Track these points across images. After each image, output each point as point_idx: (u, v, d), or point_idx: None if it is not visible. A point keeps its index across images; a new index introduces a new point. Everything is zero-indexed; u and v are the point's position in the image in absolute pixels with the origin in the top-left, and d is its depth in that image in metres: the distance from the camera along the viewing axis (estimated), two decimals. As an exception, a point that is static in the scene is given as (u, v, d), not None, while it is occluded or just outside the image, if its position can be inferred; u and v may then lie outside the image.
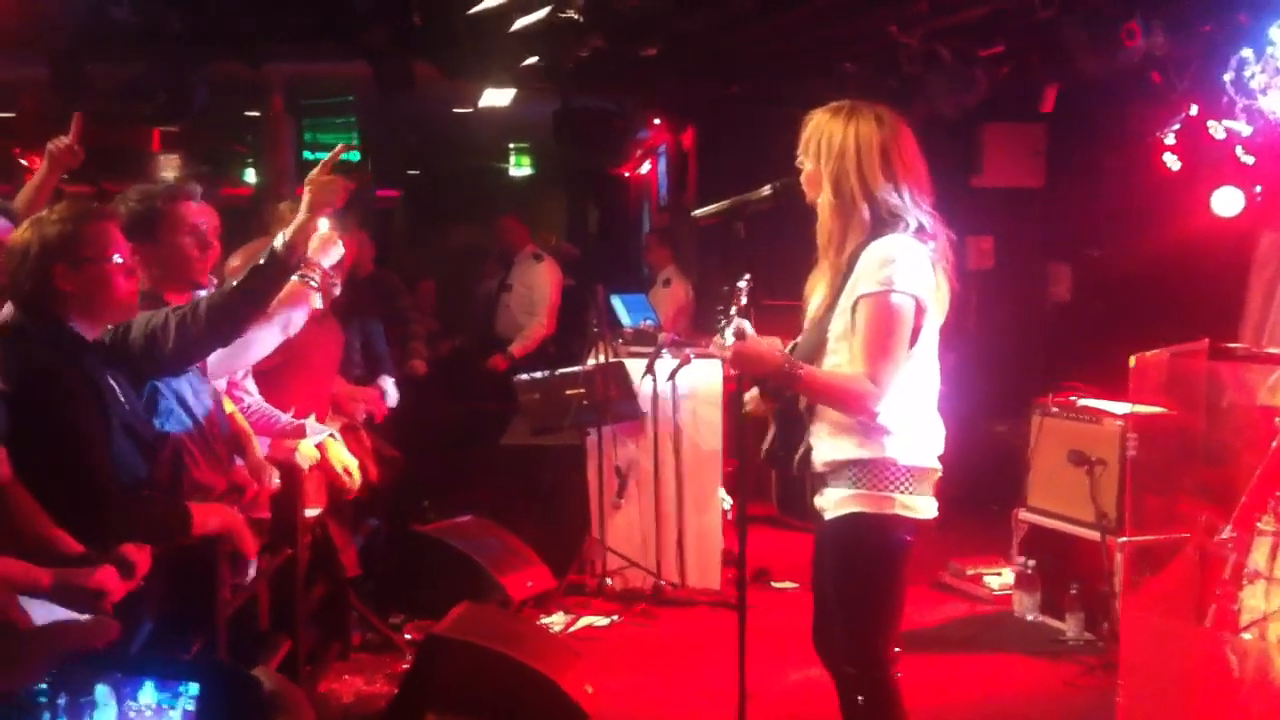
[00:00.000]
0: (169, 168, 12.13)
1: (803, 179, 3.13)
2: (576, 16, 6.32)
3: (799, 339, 3.19)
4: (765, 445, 3.28)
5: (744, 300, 3.01)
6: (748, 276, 3.03)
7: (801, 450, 3.11)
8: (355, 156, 12.09)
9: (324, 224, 3.91)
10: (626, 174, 11.77)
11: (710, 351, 3.09)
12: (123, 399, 3.25)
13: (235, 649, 3.43)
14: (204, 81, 8.49)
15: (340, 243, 3.97)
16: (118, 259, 3.22)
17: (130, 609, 2.83)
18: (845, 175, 3.01)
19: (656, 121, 10.26)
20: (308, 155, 12.01)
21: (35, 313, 3.18)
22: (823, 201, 3.06)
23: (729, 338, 2.96)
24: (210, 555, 3.29)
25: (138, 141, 11.79)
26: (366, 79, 8.09)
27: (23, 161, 11.59)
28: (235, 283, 3.52)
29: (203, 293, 3.70)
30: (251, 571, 3.60)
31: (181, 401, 3.53)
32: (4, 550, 2.64)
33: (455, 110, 10.21)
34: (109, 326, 3.36)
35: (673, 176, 10.52)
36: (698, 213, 3.40)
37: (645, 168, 11.44)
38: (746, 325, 2.98)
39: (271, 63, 8.07)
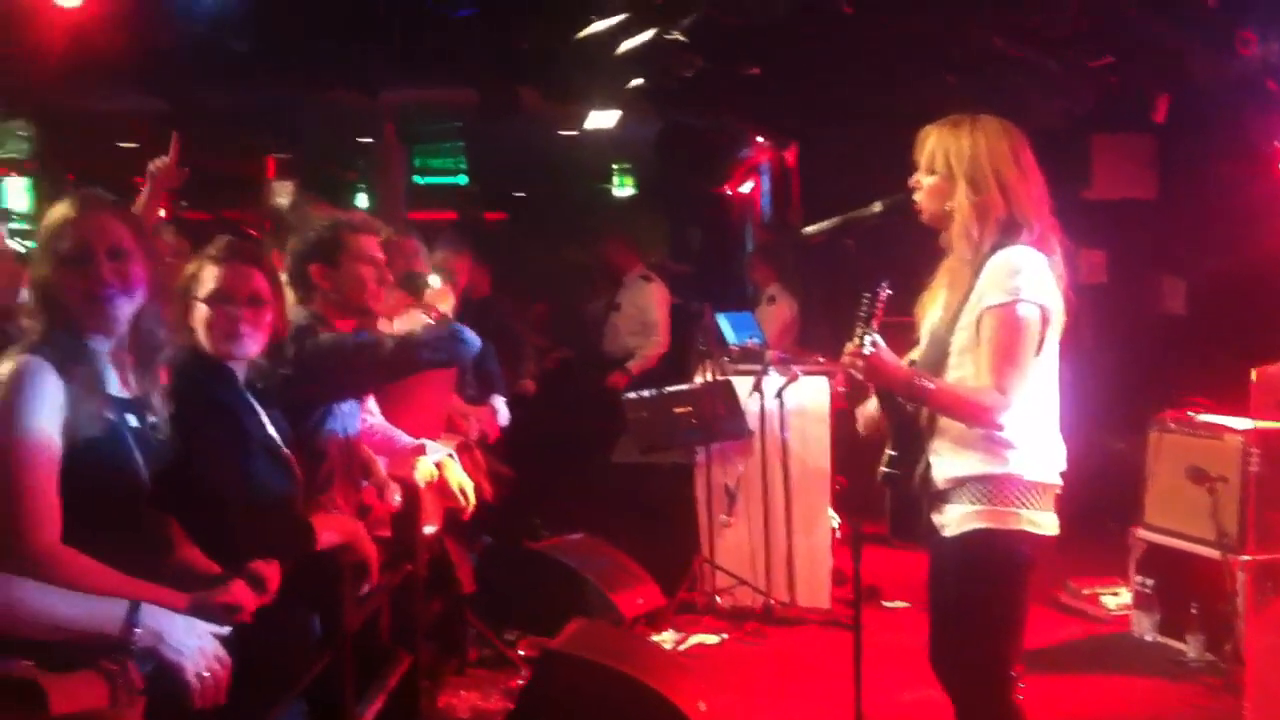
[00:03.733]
0: (283, 194, 12.46)
1: (922, 194, 3.14)
2: (681, 37, 6.39)
3: (916, 353, 3.19)
4: (882, 464, 3.27)
5: (880, 310, 3.01)
6: (885, 285, 3.03)
7: (921, 467, 3.11)
8: (463, 180, 12.31)
9: (436, 280, 4.10)
10: (729, 192, 11.80)
11: (840, 362, 3.10)
12: (264, 421, 3.37)
13: (358, 663, 3.52)
14: (317, 110, 8.74)
15: (451, 296, 4.14)
16: (255, 299, 3.35)
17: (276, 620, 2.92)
18: (982, 178, 3.02)
19: (759, 139, 10.28)
20: (417, 180, 12.27)
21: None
22: (958, 205, 3.05)
23: (868, 346, 2.97)
24: (336, 568, 3.38)
25: (253, 169, 12.12)
26: (473, 105, 8.26)
27: (140, 187, 11.95)
28: (400, 344, 3.70)
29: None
30: (372, 583, 3.67)
31: (340, 420, 3.69)
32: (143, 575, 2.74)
33: (560, 132, 10.34)
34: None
35: (776, 194, 10.52)
36: (807, 230, 3.42)
37: (748, 186, 11.46)
38: (878, 336, 2.99)
39: (383, 91, 8.27)
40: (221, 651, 2.53)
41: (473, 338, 3.98)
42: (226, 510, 3.14)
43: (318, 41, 8.03)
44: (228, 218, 11.62)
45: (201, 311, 3.26)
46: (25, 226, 11.80)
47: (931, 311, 3.22)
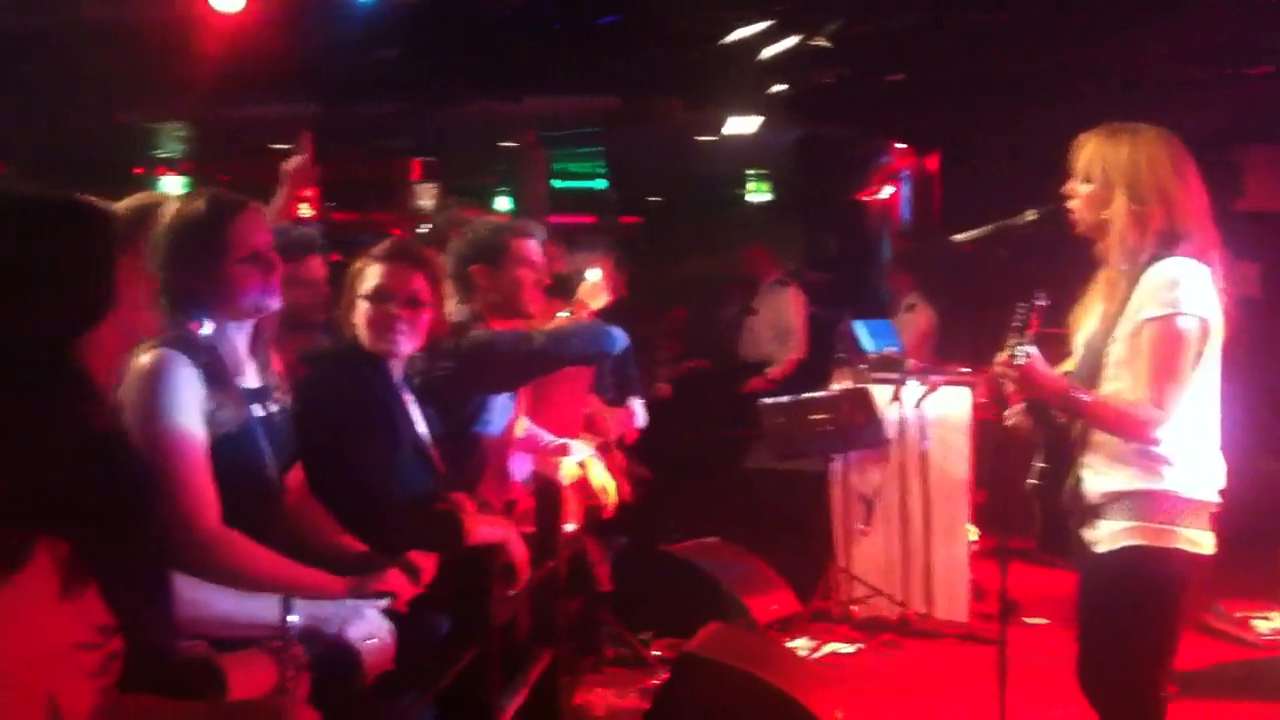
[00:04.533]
0: (426, 197, 12.74)
1: (1078, 203, 3.09)
2: (825, 44, 6.38)
3: (1071, 364, 3.15)
4: (1031, 476, 3.23)
5: (1034, 320, 2.98)
6: (1041, 295, 3.00)
7: (1071, 481, 3.07)
8: (602, 185, 12.41)
9: (595, 274, 4.17)
10: (867, 198, 11.72)
11: (992, 371, 3.07)
12: (415, 418, 3.46)
13: (502, 659, 3.59)
14: (460, 115, 8.92)
15: (606, 292, 4.20)
16: (414, 300, 3.44)
17: (418, 615, 2.99)
18: (1142, 188, 2.97)
19: (899, 145, 10.19)
20: (556, 184, 12.42)
21: (336, 336, 3.43)
22: (1115, 215, 3.01)
23: (1021, 357, 2.94)
24: (485, 566, 3.45)
25: (399, 172, 12.41)
26: (614, 112, 8.36)
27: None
28: (550, 337, 3.80)
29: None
30: (519, 586, 3.74)
31: (492, 417, 3.79)
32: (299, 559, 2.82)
33: (698, 138, 10.38)
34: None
35: (916, 201, 10.41)
36: (959, 237, 3.39)
37: (886, 192, 11.36)
38: (1032, 348, 2.96)
39: (526, 98, 8.42)
40: (383, 620, 2.62)
41: (620, 334, 4.06)
42: (374, 504, 3.23)
43: (463, 49, 8.21)
44: (374, 219, 11.94)
45: (362, 308, 3.36)
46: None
47: (1086, 323, 3.17)
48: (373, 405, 3.34)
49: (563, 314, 4.52)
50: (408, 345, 3.41)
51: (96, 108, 9.65)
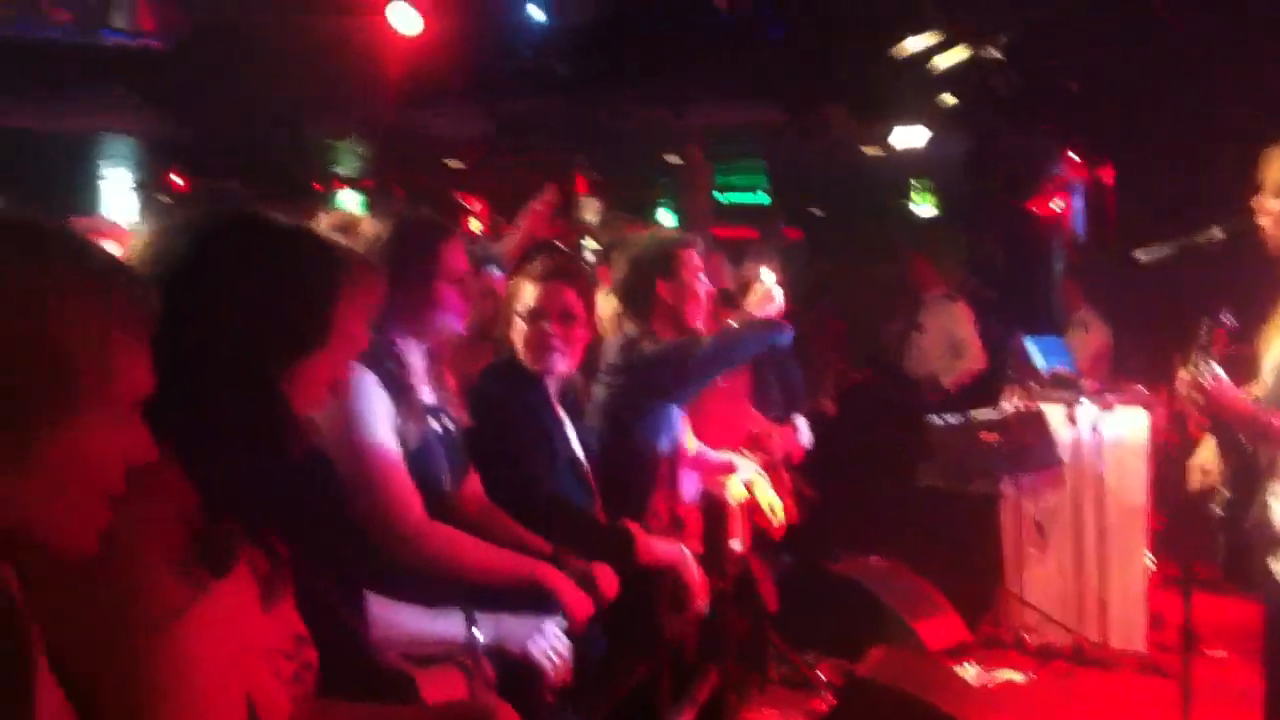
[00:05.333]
0: (590, 210, 12.92)
1: (1268, 220, 2.98)
2: (998, 54, 6.27)
3: (1258, 388, 3.03)
4: (1215, 503, 3.12)
5: (1220, 340, 2.89)
6: (1227, 314, 2.90)
7: (1257, 509, 2.95)
8: (765, 198, 12.39)
9: (769, 277, 4.16)
10: (1037, 211, 11.45)
11: (1177, 392, 2.98)
12: (570, 434, 3.52)
13: (670, 677, 3.61)
14: (625, 129, 9.03)
15: (777, 297, 4.17)
16: (568, 316, 3.50)
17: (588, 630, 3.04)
18: None
19: (1071, 156, 9.93)
20: (718, 196, 12.46)
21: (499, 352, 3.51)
22: None
23: (1207, 378, 2.85)
24: (655, 585, 3.47)
25: (565, 186, 12.60)
26: (780, 124, 8.34)
27: (464, 204, 12.71)
28: (718, 338, 3.82)
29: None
30: (691, 610, 3.74)
31: (663, 433, 3.83)
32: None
33: (863, 149, 10.29)
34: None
35: (1090, 214, 10.13)
36: (1141, 257, 3.30)
37: (1058, 204, 11.09)
38: (1218, 368, 2.87)
39: (690, 112, 8.47)
40: (562, 638, 2.67)
41: (786, 327, 4.05)
42: (540, 520, 3.28)
43: (631, 64, 8.31)
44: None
45: (519, 326, 3.43)
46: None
47: (1276, 344, 3.05)
48: (530, 422, 3.38)
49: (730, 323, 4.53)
50: (563, 362, 3.47)
51: (281, 124, 10.05)
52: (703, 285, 4.07)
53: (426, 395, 2.84)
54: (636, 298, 4.01)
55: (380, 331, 2.76)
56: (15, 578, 1.24)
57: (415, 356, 2.82)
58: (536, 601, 2.72)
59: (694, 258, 4.07)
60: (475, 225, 13.29)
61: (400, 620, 2.52)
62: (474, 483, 2.99)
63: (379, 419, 2.61)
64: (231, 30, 9.00)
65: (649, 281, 3.99)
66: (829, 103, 7.74)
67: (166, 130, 10.93)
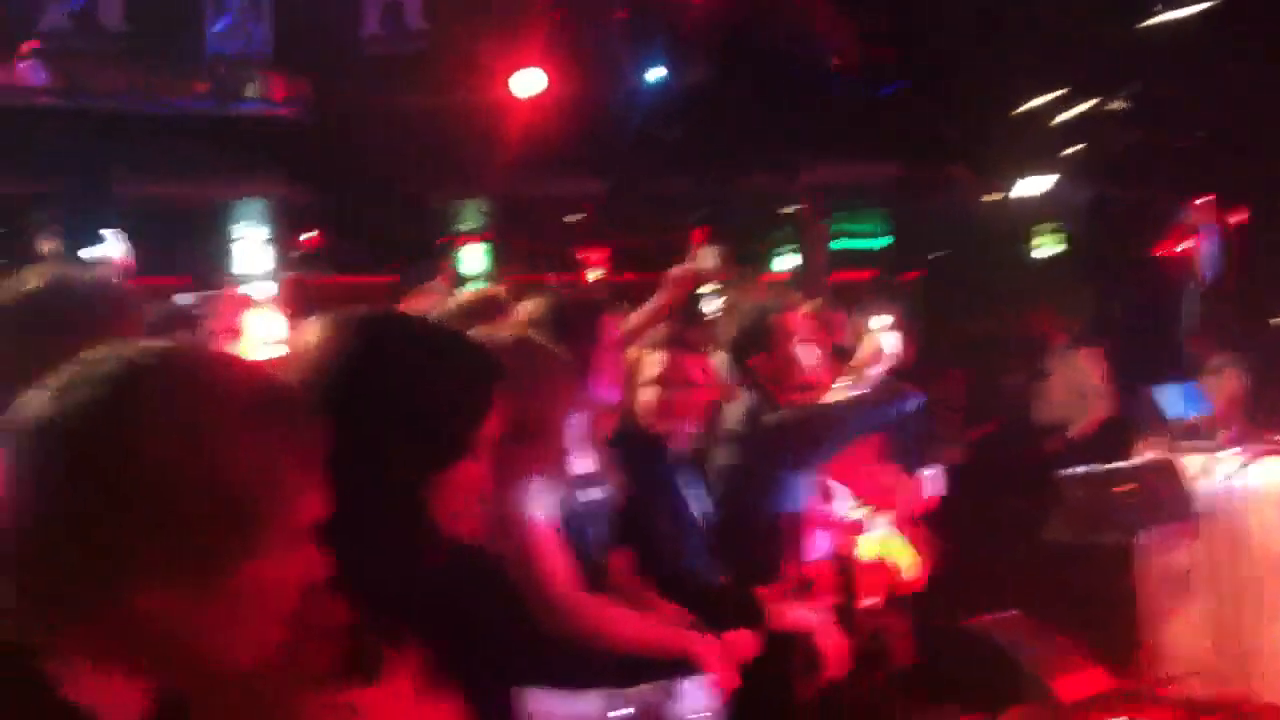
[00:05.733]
0: (709, 258, 13.04)
1: None
2: (1122, 105, 6.23)
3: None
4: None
5: None
6: None
7: None
8: (883, 243, 12.37)
9: (882, 330, 4.17)
10: (1164, 256, 11.26)
11: None
12: (691, 499, 3.58)
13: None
14: (742, 192, 9.16)
15: (891, 351, 4.19)
16: (690, 383, 3.56)
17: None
18: None
19: (1199, 201, 9.74)
20: (837, 245, 12.49)
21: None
22: None
23: None
24: (788, 651, 3.49)
25: (680, 237, 12.75)
26: (897, 179, 8.38)
27: (579, 258, 12.92)
28: (845, 407, 3.84)
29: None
30: (825, 678, 3.73)
31: (789, 495, 3.87)
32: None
33: (983, 199, 10.25)
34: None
35: (1220, 259, 9.91)
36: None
37: (1185, 247, 10.88)
38: None
39: (806, 170, 8.56)
40: (703, 696, 2.72)
41: (914, 393, 4.06)
42: (669, 583, 3.33)
43: (746, 123, 8.43)
44: (656, 279, 12.29)
45: (642, 394, 3.51)
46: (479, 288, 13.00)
47: None
48: (656, 492, 3.45)
49: (843, 380, 4.54)
50: (687, 428, 3.54)
51: (409, 186, 10.37)
52: (808, 350, 4.08)
53: (580, 465, 2.93)
54: (739, 371, 4.07)
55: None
56: (186, 693, 1.29)
57: (573, 427, 2.92)
58: (679, 671, 2.79)
59: (796, 324, 4.08)
60: (594, 275, 13.51)
61: (548, 704, 2.59)
62: (622, 554, 3.07)
63: (533, 492, 2.70)
64: (358, 98, 9.35)
65: (745, 356, 4.04)
66: (947, 158, 7.76)
67: (296, 194, 11.35)
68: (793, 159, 8.70)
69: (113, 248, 4.27)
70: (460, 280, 13.34)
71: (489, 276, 13.47)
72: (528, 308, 2.99)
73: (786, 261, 13.03)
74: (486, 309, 3.73)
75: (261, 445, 1.24)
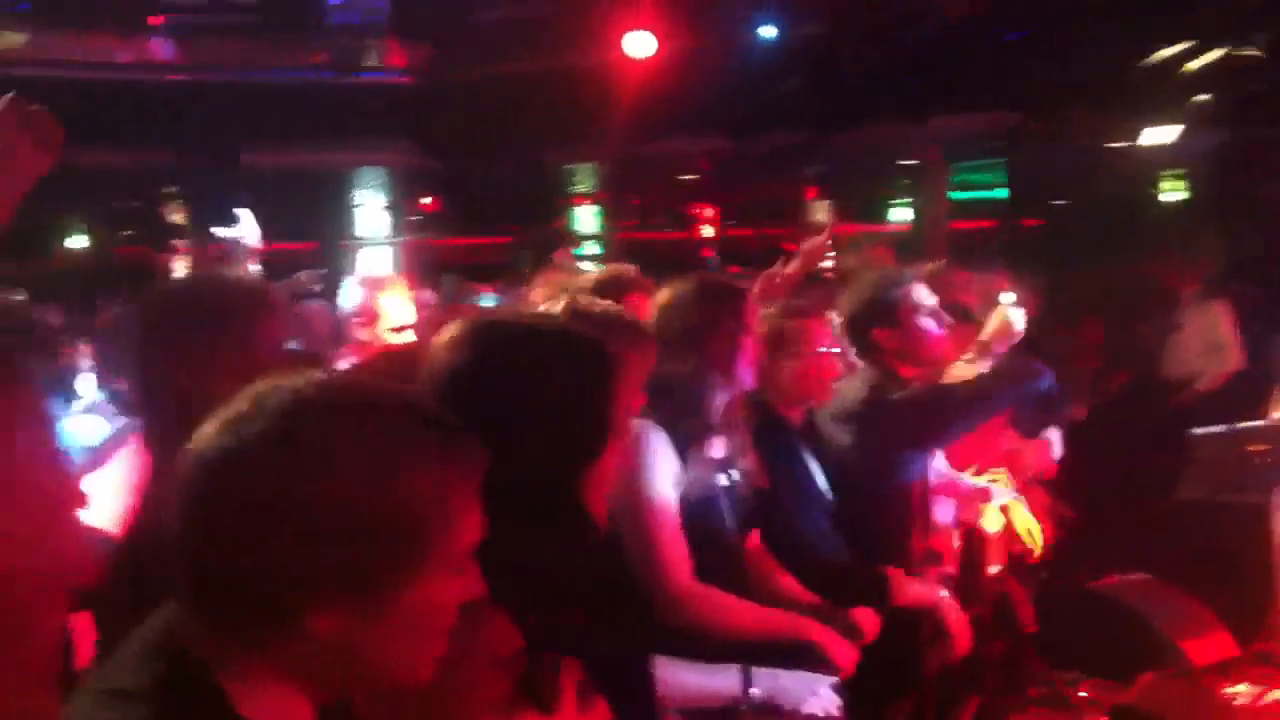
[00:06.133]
0: (820, 212, 12.94)
1: None
2: (1257, 53, 6.03)
3: None
4: None
5: None
6: None
7: None
8: (1004, 194, 12.14)
9: (1009, 302, 4.11)
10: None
11: None
12: (817, 473, 3.59)
13: (932, 708, 3.65)
14: (861, 136, 9.06)
15: (1017, 326, 4.12)
16: (821, 349, 3.57)
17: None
18: None
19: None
20: (955, 195, 12.29)
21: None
22: None
23: None
24: (914, 624, 3.51)
25: (795, 190, 12.69)
26: (1019, 127, 8.21)
27: (691, 215, 12.91)
28: (974, 389, 3.81)
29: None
30: (951, 655, 3.74)
31: (914, 467, 3.86)
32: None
33: (1108, 145, 9.98)
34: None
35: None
36: None
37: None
38: None
39: (931, 119, 8.43)
40: (833, 694, 2.77)
41: (1045, 371, 3.99)
42: (794, 561, 3.36)
43: (865, 75, 8.32)
44: (767, 234, 12.26)
45: (771, 367, 3.50)
46: (591, 249, 13.12)
47: None
48: (784, 467, 3.45)
49: (969, 356, 4.47)
50: (817, 398, 3.55)
51: (525, 150, 10.47)
52: (933, 322, 3.97)
53: (718, 448, 2.98)
54: (860, 346, 3.96)
55: (687, 386, 2.92)
56: (356, 710, 1.38)
57: (714, 408, 2.97)
58: (803, 655, 2.84)
59: (919, 295, 3.95)
60: (707, 231, 13.51)
61: (679, 677, 2.66)
62: (754, 534, 3.12)
63: (662, 477, 2.77)
64: (473, 64, 9.45)
65: (868, 330, 3.93)
66: (1070, 104, 7.58)
67: (415, 160, 11.52)
68: (910, 111, 8.57)
69: (245, 228, 4.40)
70: (576, 239, 13.47)
71: (602, 236, 13.57)
72: (669, 290, 3.03)
73: (904, 213, 12.88)
74: (615, 288, 3.79)
75: (425, 472, 1.31)
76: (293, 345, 4.32)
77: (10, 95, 1.99)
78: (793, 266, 4.62)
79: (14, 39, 9.30)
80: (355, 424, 1.31)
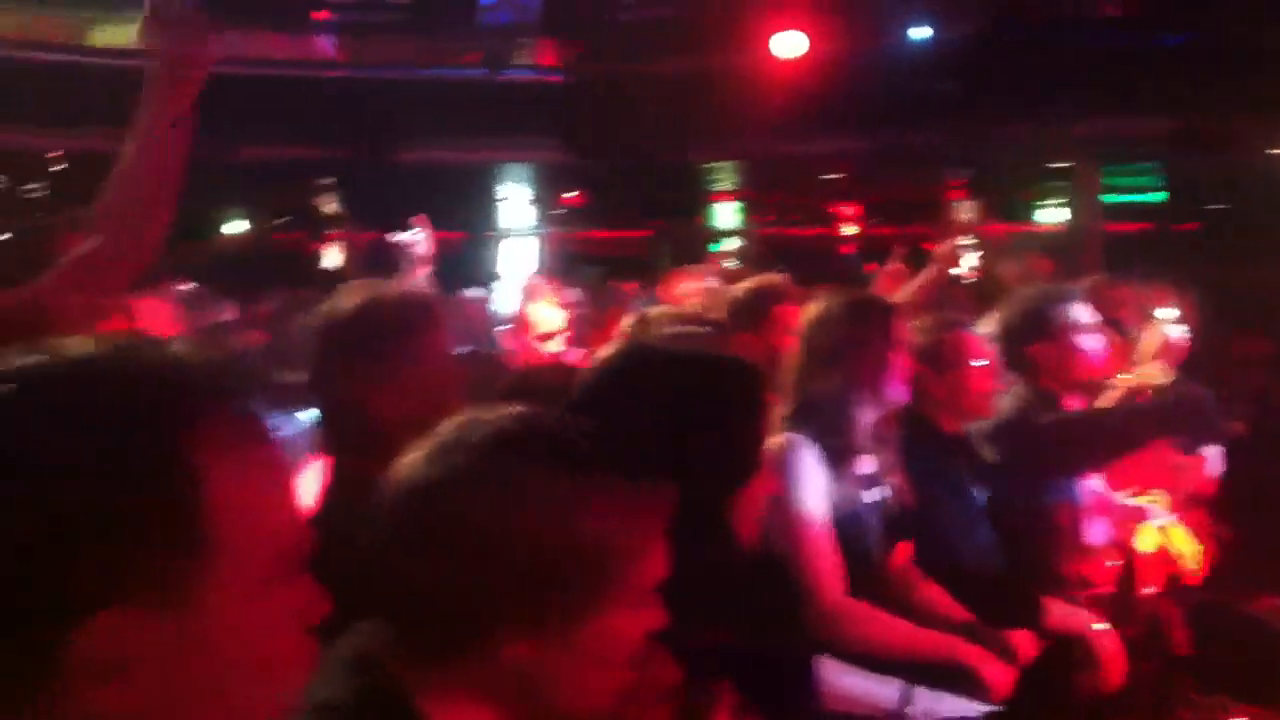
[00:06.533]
0: (965, 212, 12.71)
1: None
2: None
3: None
4: None
5: None
6: None
7: None
8: (1159, 197, 11.79)
9: (1176, 331, 3.98)
10: None
11: None
12: (975, 494, 3.55)
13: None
14: (1007, 137, 8.90)
15: (1177, 345, 4.01)
16: (976, 363, 3.52)
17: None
18: None
19: None
20: (1106, 199, 11.97)
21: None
22: None
23: None
24: (1067, 649, 3.45)
25: (941, 189, 12.48)
26: (1174, 131, 7.97)
27: (832, 213, 12.81)
28: (1128, 418, 3.72)
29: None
30: (1100, 685, 3.65)
31: (1068, 487, 3.80)
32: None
33: (1269, 152, 9.63)
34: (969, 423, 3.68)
35: None
36: None
37: None
38: None
39: (1079, 125, 8.25)
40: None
41: (1208, 400, 3.86)
42: (946, 578, 3.32)
43: (1017, 76, 8.17)
44: (909, 232, 12.12)
45: (928, 381, 3.45)
46: (730, 246, 13.13)
47: None
48: (939, 481, 3.42)
49: (1126, 377, 4.35)
50: (975, 415, 3.50)
51: (668, 147, 10.52)
52: (1091, 340, 3.88)
53: (866, 464, 2.98)
54: (1014, 360, 3.86)
55: (835, 403, 2.93)
56: None
57: (863, 425, 2.97)
58: (955, 677, 2.81)
59: (1078, 312, 3.87)
60: (848, 229, 13.40)
61: (840, 679, 2.67)
62: (902, 550, 3.11)
63: (812, 493, 2.78)
64: (623, 62, 9.52)
65: (1023, 345, 3.84)
66: (1231, 111, 7.33)
67: (560, 155, 11.66)
68: (1064, 112, 8.39)
69: (417, 234, 4.52)
70: (715, 235, 13.49)
71: (742, 232, 13.57)
72: (817, 306, 3.04)
73: (1054, 214, 12.59)
74: (765, 298, 3.80)
75: (615, 511, 1.37)
76: (464, 348, 4.43)
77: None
78: (929, 269, 4.58)
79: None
80: (551, 462, 1.37)
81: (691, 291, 4.63)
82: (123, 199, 2.05)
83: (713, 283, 4.64)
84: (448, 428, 1.41)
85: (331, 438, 2.38)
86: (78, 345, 0.95)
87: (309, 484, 2.37)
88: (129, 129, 2.02)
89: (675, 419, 1.84)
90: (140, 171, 2.03)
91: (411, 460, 1.39)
